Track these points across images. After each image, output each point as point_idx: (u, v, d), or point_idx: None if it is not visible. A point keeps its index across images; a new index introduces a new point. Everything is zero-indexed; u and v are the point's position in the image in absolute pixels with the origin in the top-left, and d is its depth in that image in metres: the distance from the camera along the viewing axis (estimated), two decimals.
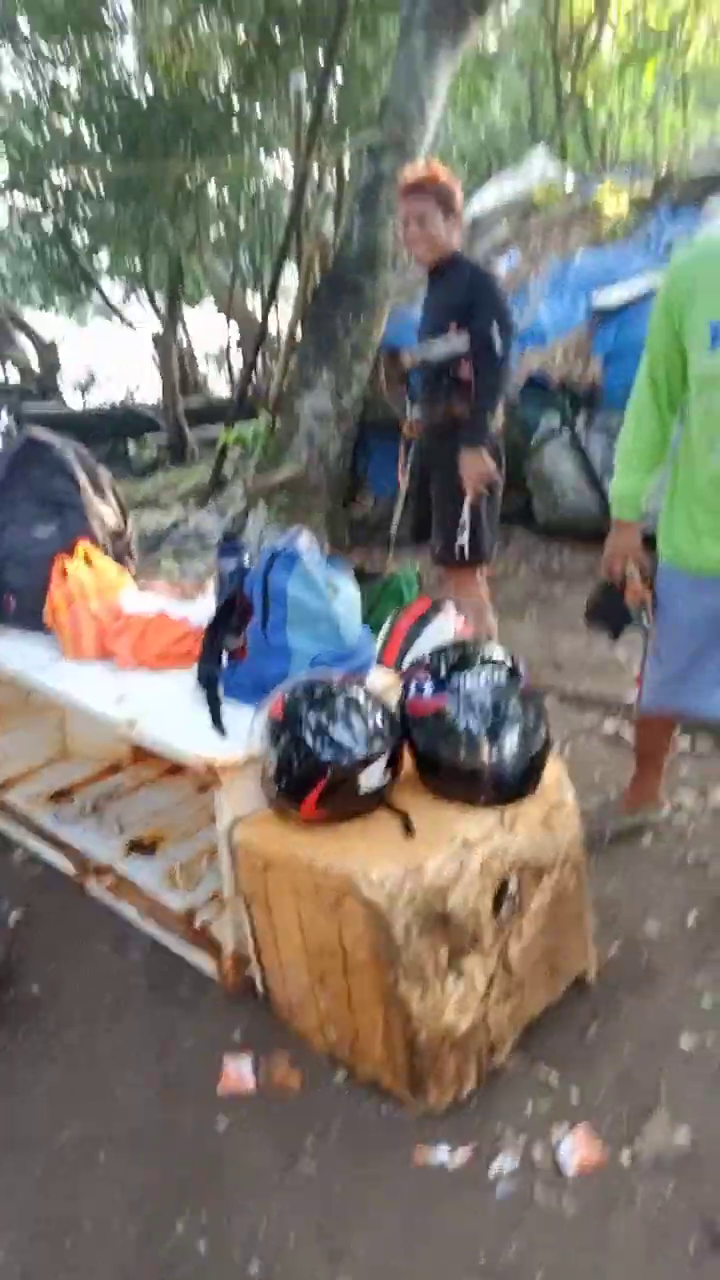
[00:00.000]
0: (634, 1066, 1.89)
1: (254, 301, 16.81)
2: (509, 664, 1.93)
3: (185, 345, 13.34)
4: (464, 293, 3.03)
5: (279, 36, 8.30)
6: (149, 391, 15.82)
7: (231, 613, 2.26)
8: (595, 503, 4.90)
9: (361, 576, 3.94)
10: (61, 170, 8.77)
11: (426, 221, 3.03)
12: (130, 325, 12.92)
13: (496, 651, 1.98)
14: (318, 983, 1.88)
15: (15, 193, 10.58)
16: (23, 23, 9.13)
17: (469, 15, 5.15)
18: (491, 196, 7.20)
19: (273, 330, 9.04)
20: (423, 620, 2.97)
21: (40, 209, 10.42)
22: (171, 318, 10.41)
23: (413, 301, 5.69)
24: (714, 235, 2.04)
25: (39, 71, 9.74)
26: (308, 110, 4.89)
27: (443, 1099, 1.79)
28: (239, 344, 16.65)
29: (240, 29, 8.57)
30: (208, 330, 17.29)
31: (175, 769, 2.93)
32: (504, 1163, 1.69)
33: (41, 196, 10.14)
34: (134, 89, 9.21)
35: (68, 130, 9.84)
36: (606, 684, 3.54)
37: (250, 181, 10.62)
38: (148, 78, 9.22)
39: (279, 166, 10.37)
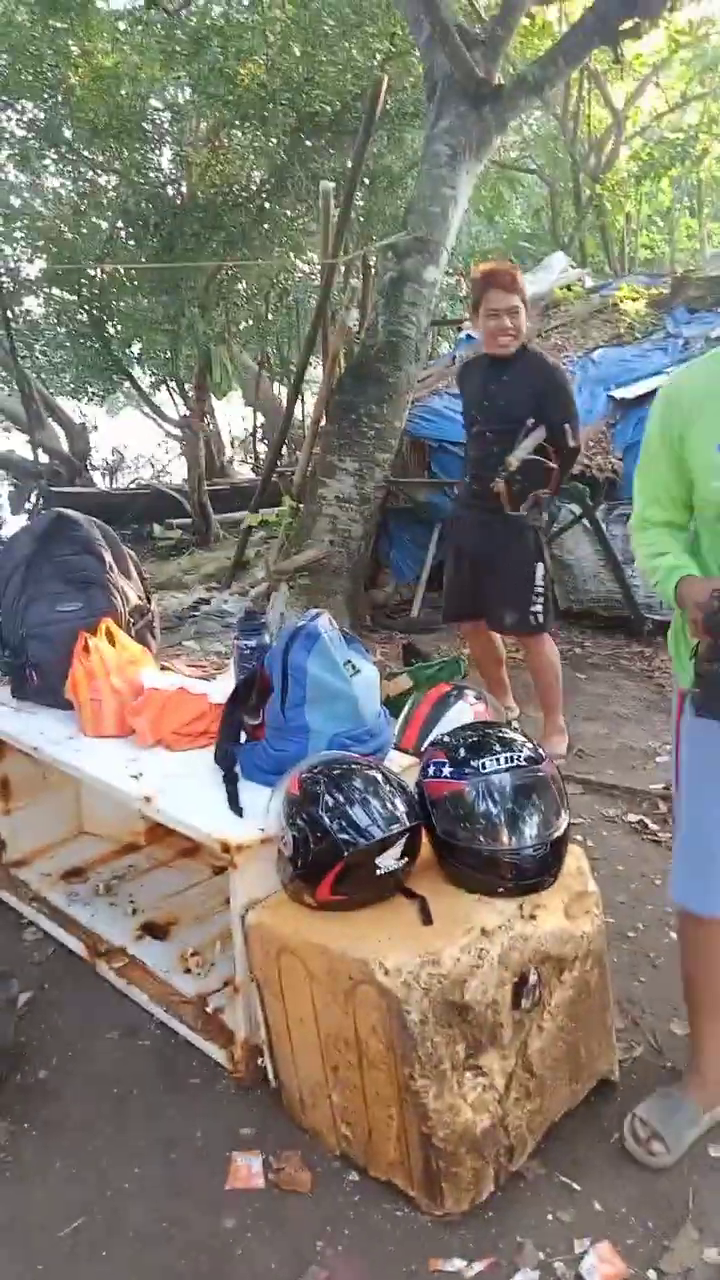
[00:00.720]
0: (660, 1177, 1.80)
1: (280, 391, 17.36)
2: (530, 748, 1.91)
3: (212, 431, 13.67)
4: (539, 384, 3.20)
5: (309, 143, 8.72)
6: (175, 476, 16.21)
7: (250, 691, 2.26)
8: (616, 589, 4.92)
9: (414, 654, 4.02)
10: (97, 266, 9.14)
11: (518, 315, 3.25)
12: (159, 413, 13.26)
13: (517, 735, 1.96)
14: (331, 1075, 1.82)
15: (53, 287, 11.04)
16: (66, 131, 9.65)
17: (490, 130, 5.40)
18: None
19: (298, 418, 9.32)
20: (441, 704, 2.98)
21: (76, 301, 10.83)
22: (199, 405, 10.67)
23: (433, 393, 5.84)
24: (714, 353, 1.80)
25: (79, 173, 10.26)
26: (335, 214, 5.10)
27: (459, 1204, 1.71)
28: (264, 431, 17.14)
29: (272, 138, 9.02)
30: (235, 418, 17.81)
31: (191, 850, 2.90)
32: (524, 1278, 1.60)
33: (77, 289, 10.55)
34: (169, 191, 9.65)
35: (104, 227, 10.31)
36: (630, 773, 3.50)
37: (278, 278, 11.03)
38: (183, 182, 9.69)
39: (306, 264, 10.77)
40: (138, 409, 17.88)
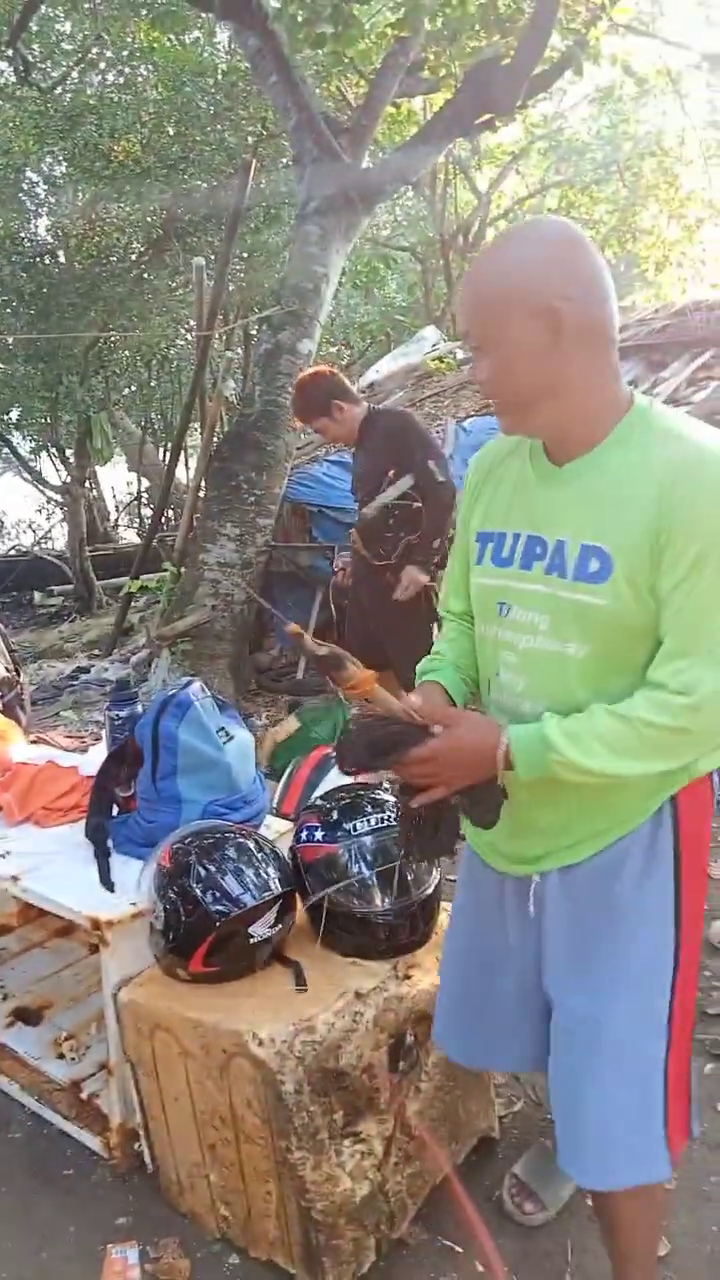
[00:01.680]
0: (539, 1233, 1.81)
1: (164, 457, 17.36)
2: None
3: (95, 496, 13.55)
4: (385, 440, 3.31)
5: (185, 218, 8.91)
6: (58, 541, 15.93)
7: (122, 762, 2.23)
8: None
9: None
10: None
11: (327, 430, 3.53)
12: (39, 478, 13.08)
13: (390, 796, 2.00)
14: (208, 1154, 1.78)
15: None
16: None
17: (358, 212, 5.64)
18: (386, 366, 7.71)
19: (180, 482, 9.33)
20: (322, 767, 3.00)
21: None
22: (80, 471, 10.59)
23: (313, 460, 5.97)
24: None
25: None
26: (208, 288, 5.22)
27: (341, 1278, 1.68)
28: (148, 496, 17.08)
29: (148, 214, 9.18)
30: (119, 482, 17.68)
31: (66, 929, 2.81)
32: None
33: None
34: (45, 260, 9.68)
35: None
36: None
37: (160, 346, 11.12)
38: (59, 252, 9.74)
39: (187, 333, 10.91)
40: (17, 474, 17.62)
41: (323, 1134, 1.67)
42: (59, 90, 8.91)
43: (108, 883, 2.01)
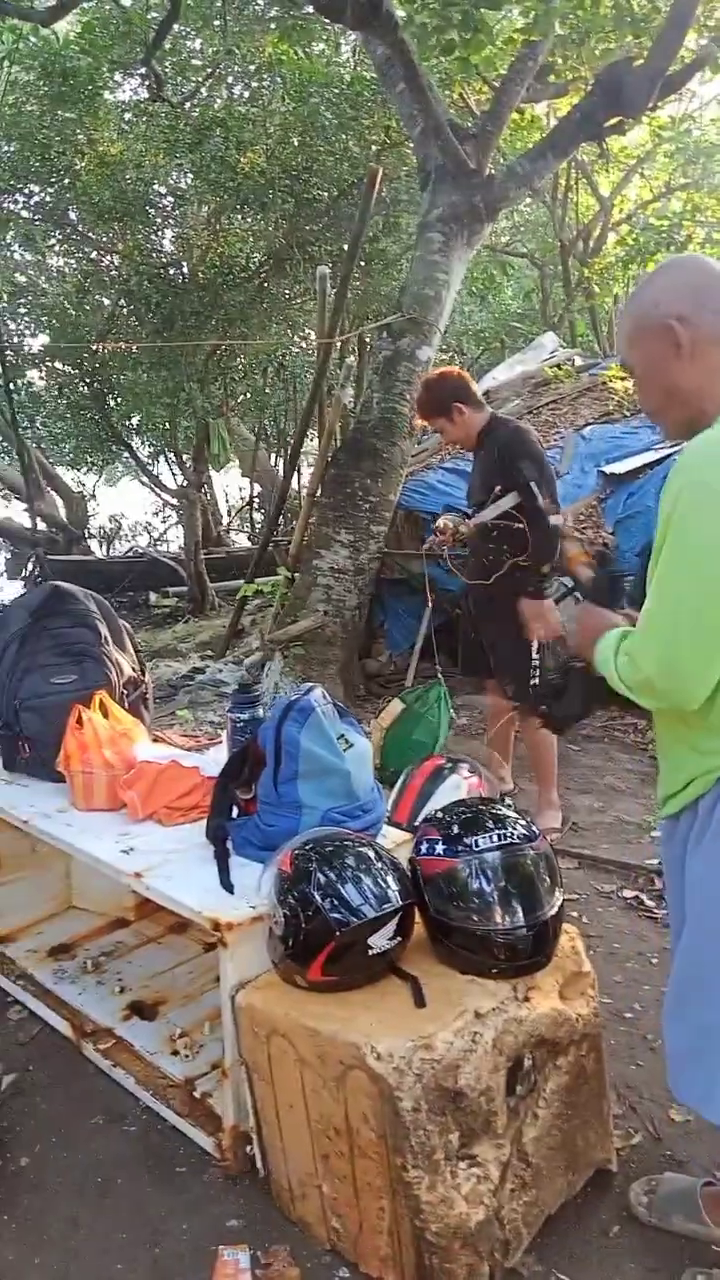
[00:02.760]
0: (659, 1268, 1.74)
1: (276, 463, 17.63)
2: (523, 825, 1.90)
3: (209, 500, 13.85)
4: (499, 455, 3.29)
5: (306, 228, 9.03)
6: (172, 544, 16.36)
7: (243, 765, 2.25)
8: None
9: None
10: (99, 343, 9.36)
11: (446, 432, 3.58)
12: (157, 482, 13.46)
13: (510, 812, 1.96)
14: (321, 1165, 1.77)
15: (55, 361, 11.31)
16: (72, 213, 10.00)
17: (481, 219, 5.60)
18: (504, 373, 7.63)
19: (294, 489, 9.45)
20: (436, 777, 2.98)
21: (77, 374, 11.08)
22: (197, 475, 10.83)
23: (427, 467, 5.95)
24: None
25: (83, 253, 10.59)
26: (331, 295, 5.26)
27: None
28: (260, 501, 17.37)
29: (270, 223, 9.34)
30: (232, 488, 18.07)
31: (181, 926, 2.86)
32: None
33: (79, 364, 10.80)
34: (170, 271, 9.95)
35: (106, 304, 10.61)
36: (625, 847, 3.47)
37: (276, 354, 11.30)
38: (184, 263, 10.00)
39: (304, 341, 11.06)
40: (135, 478, 18.18)
41: (439, 1154, 1.64)
42: (188, 105, 9.14)
43: (227, 884, 2.03)
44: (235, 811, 2.24)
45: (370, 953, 1.78)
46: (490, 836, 1.85)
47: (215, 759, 2.53)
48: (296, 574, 5.41)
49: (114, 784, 2.42)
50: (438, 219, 5.50)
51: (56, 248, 11.07)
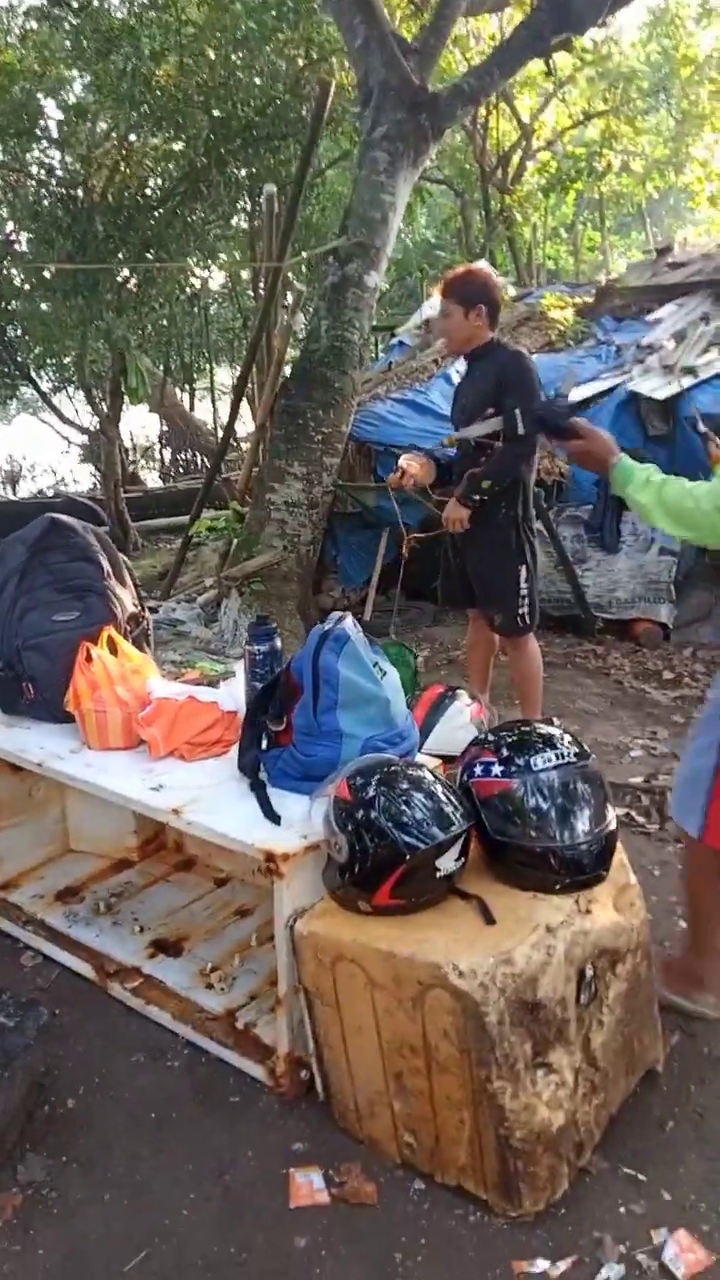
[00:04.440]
0: (718, 1156, 1.83)
1: (181, 398, 17.10)
2: (574, 742, 1.92)
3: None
4: (495, 377, 3.23)
5: (223, 149, 8.63)
6: (80, 484, 15.79)
7: (272, 696, 2.21)
8: (567, 589, 5.02)
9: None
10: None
11: (445, 318, 3.45)
12: (64, 419, 12.90)
13: (556, 730, 1.97)
14: (393, 1083, 1.79)
15: None
16: None
17: (428, 138, 5.46)
18: (438, 303, 7.53)
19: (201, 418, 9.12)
20: (437, 707, 2.98)
21: None
22: (114, 410, 10.42)
23: (377, 398, 5.86)
24: None
25: None
26: (273, 216, 5.06)
27: (536, 1204, 1.70)
28: (167, 438, 16.88)
29: (184, 142, 8.90)
30: (135, 425, 17.45)
31: (187, 863, 2.83)
32: (611, 1273, 1.60)
33: None
34: (78, 192, 9.41)
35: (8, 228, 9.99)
36: (608, 767, 3.56)
37: (188, 283, 10.88)
38: (92, 183, 9.46)
39: (221, 269, 10.68)
40: (33, 415, 17.38)
41: (519, 1064, 1.67)
42: (95, 7, 8.53)
43: (272, 814, 2.00)
44: (266, 743, 2.20)
45: (438, 875, 1.78)
46: (546, 756, 1.87)
47: (230, 693, 2.48)
48: (247, 509, 5.30)
49: (129, 721, 2.34)
50: (382, 138, 5.33)
51: None
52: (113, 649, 2.44)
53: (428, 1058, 1.72)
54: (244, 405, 7.18)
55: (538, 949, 1.69)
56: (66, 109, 9.34)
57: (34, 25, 8.67)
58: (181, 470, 16.13)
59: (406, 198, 5.63)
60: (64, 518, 2.50)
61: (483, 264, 8.32)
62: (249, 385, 6.00)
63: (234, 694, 2.45)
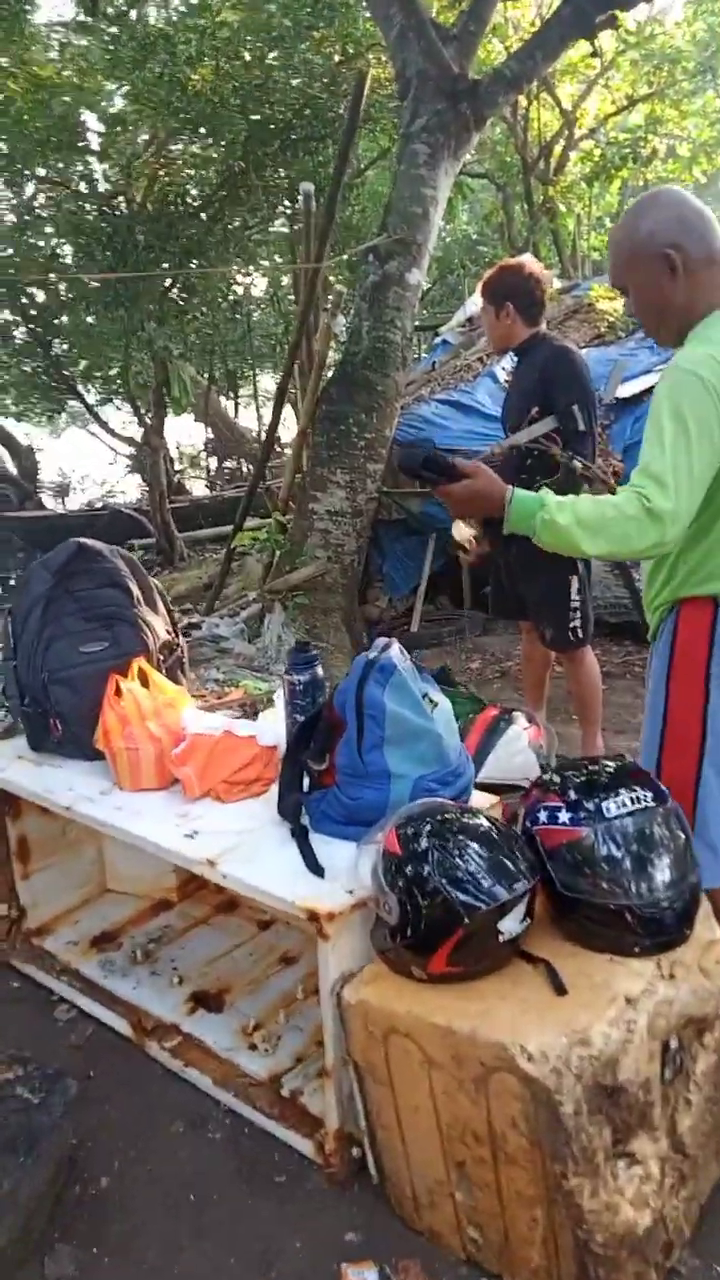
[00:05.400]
0: None
1: (227, 406, 17.08)
2: (649, 781, 1.71)
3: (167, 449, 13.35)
4: (539, 375, 3.06)
5: (261, 151, 8.50)
6: (128, 495, 15.83)
7: (313, 732, 2.03)
8: (624, 594, 4.78)
9: (443, 679, 3.84)
10: (38, 284, 8.81)
11: (486, 325, 3.41)
12: (110, 431, 12.92)
13: (626, 768, 1.76)
14: (455, 1171, 1.60)
15: None
16: (2, 145, 9.31)
17: (469, 127, 5.24)
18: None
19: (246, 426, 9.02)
20: (493, 732, 2.78)
21: (19, 319, 10.48)
22: (158, 421, 10.36)
23: (420, 399, 5.66)
24: None
25: (18, 190, 9.91)
26: (316, 215, 4.89)
27: None
28: (213, 446, 16.85)
29: (222, 146, 8.79)
30: (181, 434, 17.47)
31: (228, 904, 2.66)
32: None
33: (20, 308, 10.21)
34: (118, 202, 9.36)
35: (43, 245, 9.99)
36: None
37: (230, 290, 10.79)
38: (133, 193, 9.40)
39: (264, 275, 10.57)
40: (83, 428, 17.49)
41: (599, 1157, 1.47)
42: (129, 17, 8.46)
43: (316, 867, 1.82)
44: (307, 784, 2.03)
45: (500, 939, 1.59)
46: (620, 800, 1.66)
47: (269, 726, 2.30)
48: (289, 519, 5.14)
49: (163, 760, 2.18)
50: (422, 130, 5.13)
51: None
52: (144, 681, 2.28)
53: (494, 1147, 1.53)
54: (288, 411, 7.05)
55: (617, 1025, 1.49)
56: (107, 119, 9.31)
57: (71, 38, 8.60)
58: (227, 479, 16.09)
59: (448, 191, 5.42)
60: (90, 542, 2.36)
61: (526, 256, 8.08)
62: (291, 390, 5.83)
63: (274, 726, 2.28)
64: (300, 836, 1.91)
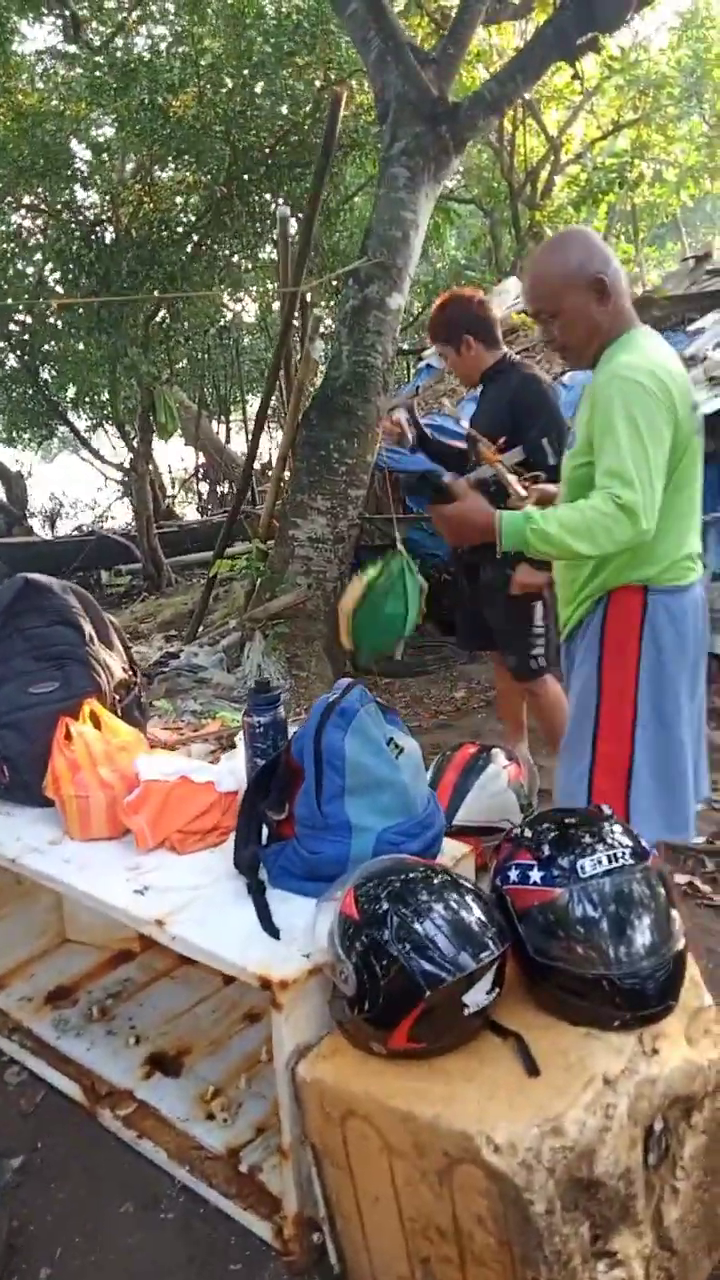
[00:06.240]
0: None
1: (219, 431, 17.03)
2: (629, 839, 1.58)
3: (154, 473, 13.28)
4: (507, 404, 2.95)
5: (245, 177, 8.48)
6: (118, 520, 15.75)
7: (270, 779, 1.90)
8: None
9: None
10: (40, 304, 8.74)
11: (450, 363, 3.29)
12: (99, 457, 12.84)
13: (606, 821, 1.64)
14: (420, 1269, 1.46)
15: None
16: None
17: (449, 150, 5.19)
18: None
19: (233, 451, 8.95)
20: (470, 770, 2.65)
21: (5, 346, 10.43)
22: (144, 446, 10.28)
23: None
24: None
25: (3, 216, 9.88)
26: (293, 237, 4.82)
27: None
28: (204, 470, 16.79)
29: (206, 173, 8.77)
30: (173, 459, 17.43)
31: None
32: None
33: (6, 335, 10.16)
34: (102, 230, 9.33)
35: (30, 272, 9.96)
36: None
37: (217, 315, 10.75)
38: (116, 220, 9.37)
39: (252, 300, 10.53)
40: (74, 453, 17.43)
41: (575, 1260, 1.33)
42: (111, 46, 8.46)
43: (271, 928, 1.69)
44: (266, 835, 1.90)
45: (466, 1012, 1.45)
46: (596, 858, 1.53)
47: (229, 769, 2.18)
48: (270, 545, 5.03)
49: (114, 807, 2.06)
50: (401, 153, 5.07)
51: None
52: (96, 723, 2.16)
53: (460, 1245, 1.39)
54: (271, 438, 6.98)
55: (594, 1111, 1.35)
56: (92, 146, 9.29)
57: (56, 66, 8.59)
58: (218, 504, 16.03)
59: (429, 214, 5.36)
60: (39, 577, 2.23)
61: (513, 280, 8.04)
62: (269, 416, 5.74)
63: (234, 771, 2.15)
64: (256, 893, 1.78)
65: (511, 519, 1.91)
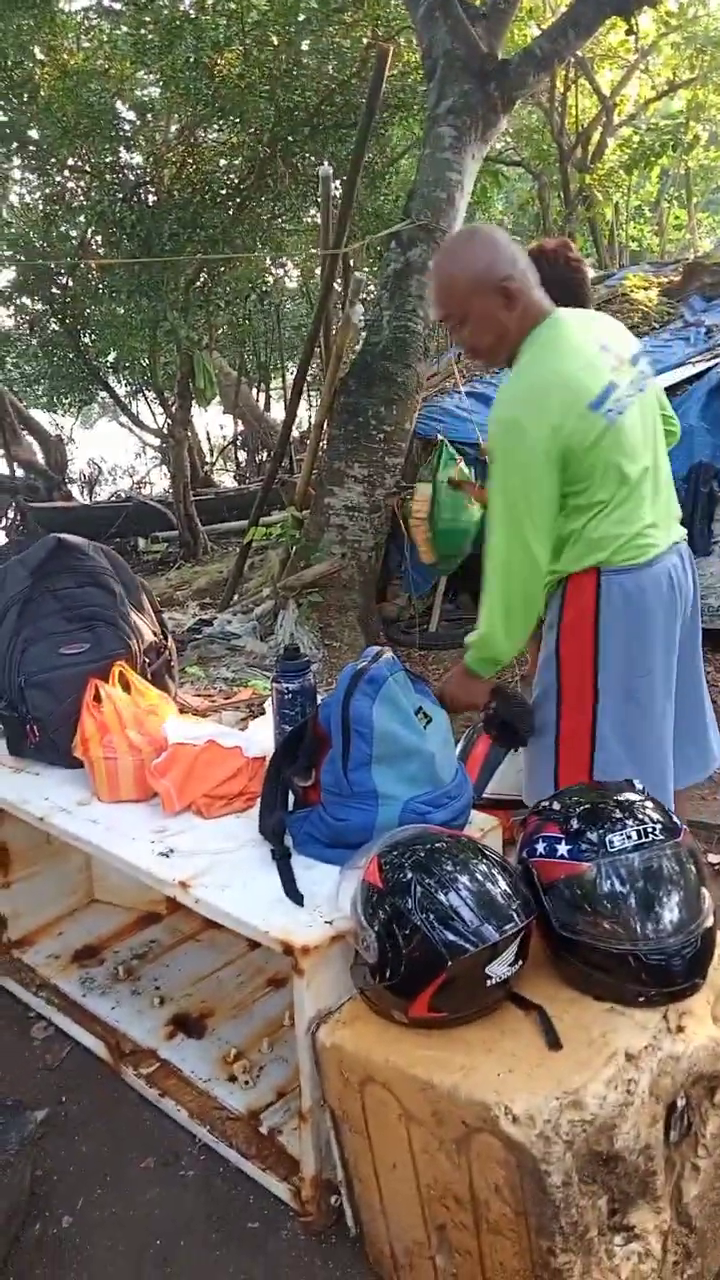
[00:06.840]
0: None
1: (258, 397, 16.98)
2: (661, 814, 1.55)
3: (192, 439, 13.28)
4: None
5: (289, 138, 8.36)
6: (156, 486, 15.80)
7: (298, 745, 1.89)
8: None
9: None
10: (78, 265, 8.70)
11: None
12: (138, 422, 12.85)
13: (638, 796, 1.61)
14: (435, 1235, 1.46)
15: (24, 297, 10.66)
16: (33, 131, 9.25)
17: (497, 109, 5.06)
18: None
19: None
20: None
21: (48, 310, 10.44)
22: (183, 413, 10.26)
23: (444, 392, 5.49)
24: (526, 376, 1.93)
25: (47, 177, 9.85)
26: (329, 200, 4.74)
27: None
28: (243, 438, 16.77)
29: (249, 134, 8.65)
30: (212, 425, 17.41)
31: None
32: None
33: (49, 298, 10.16)
34: (143, 192, 9.27)
35: (74, 235, 9.94)
36: (699, 803, 3.15)
37: (258, 280, 10.65)
38: (158, 180, 9.30)
39: (294, 263, 10.41)
40: (114, 419, 17.48)
41: (591, 1232, 1.32)
42: (158, 1, 8.33)
43: (295, 894, 1.69)
44: (292, 802, 1.89)
45: (489, 983, 1.44)
46: (626, 833, 1.50)
47: (258, 737, 2.17)
48: (305, 514, 5.00)
49: (142, 770, 2.05)
50: (448, 111, 4.95)
51: (17, 174, 10.35)
52: (125, 686, 2.16)
53: (476, 1214, 1.38)
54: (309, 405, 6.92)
55: (614, 1086, 1.34)
56: (136, 106, 9.21)
57: (93, 20, 8.50)
58: (256, 471, 16.00)
59: (475, 176, 5.24)
60: (71, 537, 2.23)
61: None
62: (308, 383, 5.68)
63: (261, 738, 2.14)
64: (281, 859, 1.78)
65: (466, 663, 2.03)
